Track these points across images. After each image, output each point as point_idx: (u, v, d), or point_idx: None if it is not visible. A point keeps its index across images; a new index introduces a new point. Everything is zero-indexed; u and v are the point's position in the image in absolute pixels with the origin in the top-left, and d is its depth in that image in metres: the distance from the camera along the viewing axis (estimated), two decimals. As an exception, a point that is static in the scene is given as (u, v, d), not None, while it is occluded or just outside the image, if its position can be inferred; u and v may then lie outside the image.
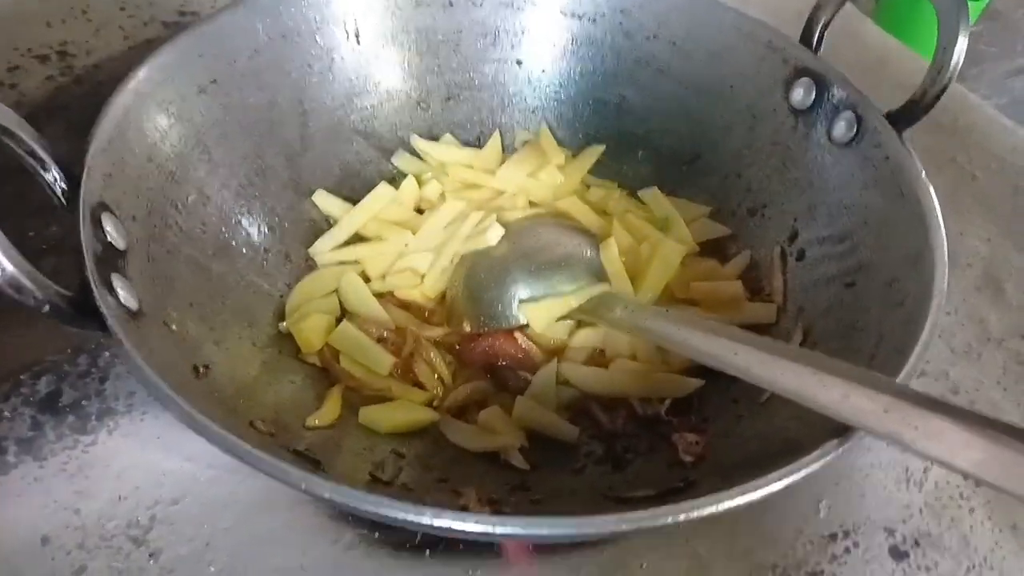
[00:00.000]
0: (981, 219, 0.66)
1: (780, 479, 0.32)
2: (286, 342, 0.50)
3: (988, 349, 0.57)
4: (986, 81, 0.81)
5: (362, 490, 0.31)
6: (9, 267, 0.33)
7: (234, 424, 0.34)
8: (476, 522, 0.30)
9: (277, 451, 0.34)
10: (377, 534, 0.44)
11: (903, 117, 0.49)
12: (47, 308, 0.35)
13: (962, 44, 0.46)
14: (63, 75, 0.66)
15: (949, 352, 0.57)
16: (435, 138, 0.62)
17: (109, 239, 0.40)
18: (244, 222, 0.52)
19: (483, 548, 0.44)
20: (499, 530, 0.31)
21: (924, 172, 0.46)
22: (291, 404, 0.46)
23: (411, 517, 0.31)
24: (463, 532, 0.30)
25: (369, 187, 0.58)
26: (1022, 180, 0.69)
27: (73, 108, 0.65)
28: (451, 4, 0.60)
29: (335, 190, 0.58)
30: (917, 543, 0.46)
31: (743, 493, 0.32)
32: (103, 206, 0.41)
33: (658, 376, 0.49)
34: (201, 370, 0.41)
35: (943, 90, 0.48)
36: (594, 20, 0.60)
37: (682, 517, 0.32)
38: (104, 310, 0.36)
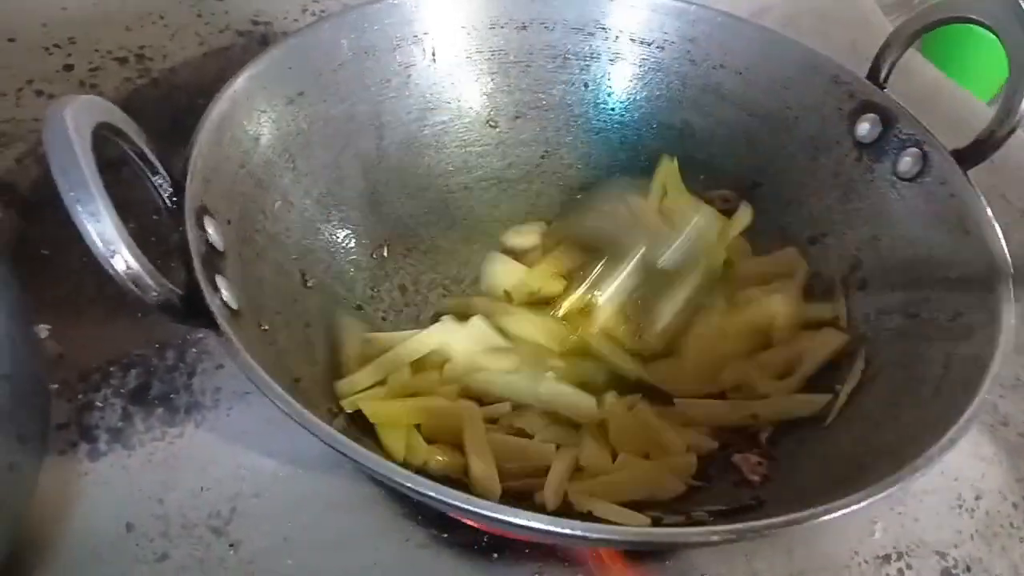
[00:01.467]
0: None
1: (861, 500, 0.34)
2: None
3: (1037, 384, 0.58)
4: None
5: (458, 490, 0.33)
6: (135, 264, 0.35)
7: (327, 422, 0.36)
8: (594, 532, 0.32)
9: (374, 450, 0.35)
10: (446, 535, 0.46)
11: (968, 156, 0.51)
12: (161, 304, 0.37)
13: (1033, 88, 0.48)
14: (140, 77, 0.69)
15: (997, 386, 0.58)
16: (502, 156, 0.64)
17: (211, 241, 0.42)
18: (323, 229, 0.54)
19: (547, 552, 0.46)
20: (593, 536, 0.32)
21: (990, 210, 0.48)
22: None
23: (503, 517, 0.32)
24: (565, 536, 0.32)
25: (434, 201, 0.61)
26: (1069, 219, 0.70)
27: (149, 110, 0.67)
28: (524, 27, 0.62)
29: (406, 201, 0.60)
30: (969, 568, 0.48)
31: (827, 512, 0.33)
32: (204, 209, 0.43)
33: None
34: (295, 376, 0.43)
35: (1011, 132, 0.49)
36: (662, 47, 0.62)
37: (766, 532, 0.33)
38: (213, 309, 0.37)
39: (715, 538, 0.33)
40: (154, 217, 0.53)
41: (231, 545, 0.44)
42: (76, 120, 0.35)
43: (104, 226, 0.34)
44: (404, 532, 0.46)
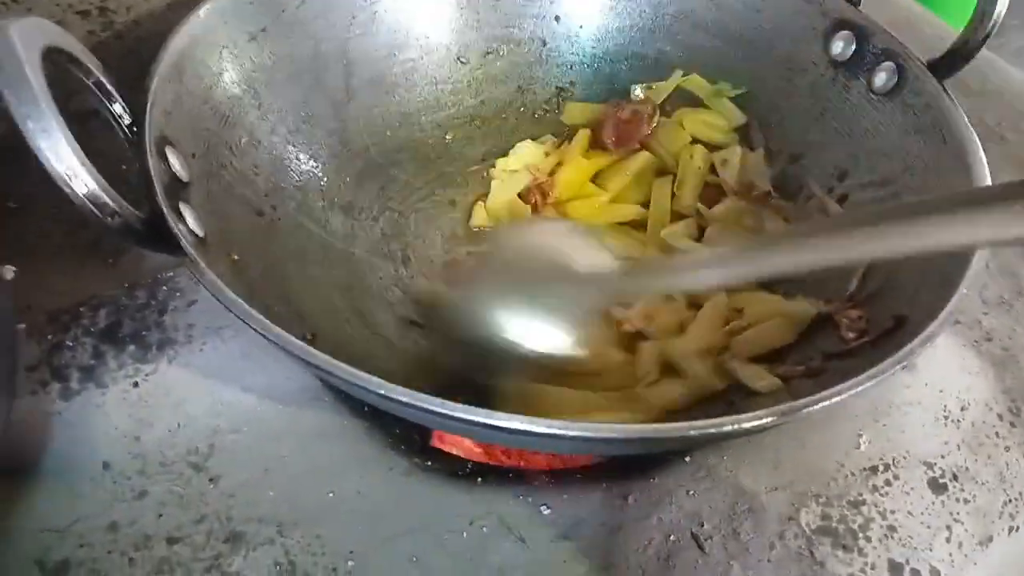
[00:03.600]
0: (1011, 178, 0.67)
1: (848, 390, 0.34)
2: (335, 284, 0.51)
3: (1021, 301, 0.58)
4: (1008, 53, 0.82)
5: (433, 395, 0.32)
6: (92, 183, 0.34)
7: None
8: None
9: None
10: (430, 462, 0.45)
11: (943, 66, 0.50)
12: (122, 227, 0.36)
13: (1006, -8, 0.47)
14: (104, 30, 0.67)
15: (981, 303, 0.58)
16: (475, 93, 0.63)
17: (173, 170, 0.41)
18: (293, 166, 0.53)
19: (532, 475, 0.45)
20: (570, 433, 0.32)
21: (967, 117, 0.47)
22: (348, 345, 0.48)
23: (481, 419, 0.32)
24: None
25: (406, 140, 0.60)
26: (1050, 141, 0.70)
27: (114, 63, 0.65)
28: (492, -41, 0.61)
29: (377, 140, 0.59)
30: (956, 477, 0.47)
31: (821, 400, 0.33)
32: (166, 139, 0.42)
33: None
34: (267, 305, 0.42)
35: (985, 39, 0.49)
36: (633, -25, 0.61)
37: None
38: (176, 231, 0.37)
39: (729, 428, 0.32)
40: (123, 167, 0.52)
41: (211, 480, 0.43)
42: (23, 39, 0.34)
43: (57, 143, 0.33)
44: (387, 461, 0.45)
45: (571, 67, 0.65)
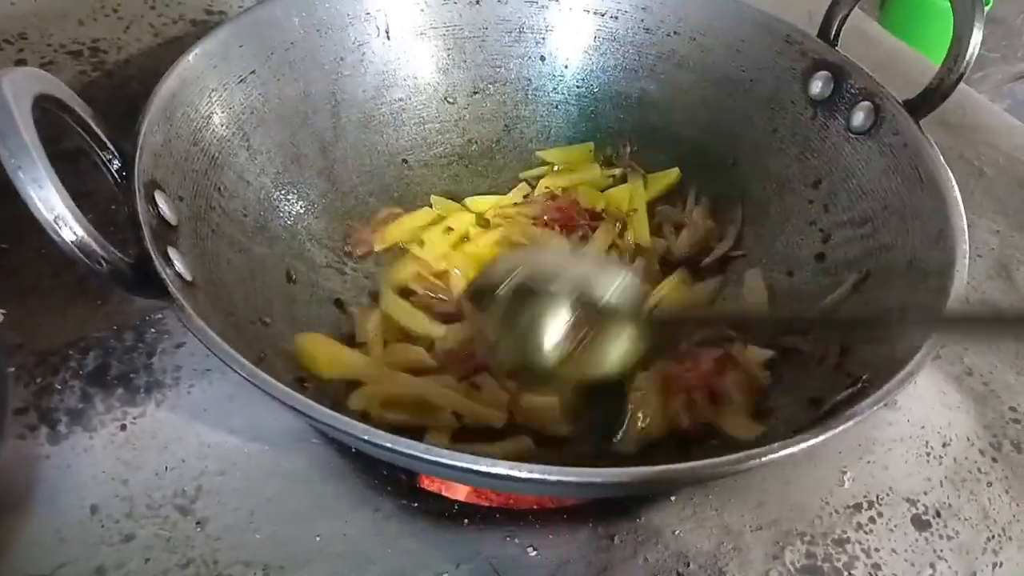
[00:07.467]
0: (990, 212, 0.68)
1: (823, 433, 0.34)
2: (325, 321, 0.51)
3: (1001, 335, 0.59)
4: (989, 85, 0.84)
5: (424, 442, 0.33)
6: (80, 231, 0.34)
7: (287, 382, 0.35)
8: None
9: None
10: (416, 504, 0.45)
11: (920, 106, 0.51)
12: (110, 273, 0.36)
13: (977, 35, 0.48)
14: (95, 70, 0.68)
15: (963, 337, 0.58)
16: (462, 132, 0.64)
17: (162, 214, 0.42)
18: (282, 207, 0.54)
19: (519, 515, 0.45)
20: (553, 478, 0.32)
21: (942, 156, 0.48)
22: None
23: (465, 464, 0.32)
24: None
25: (394, 179, 0.61)
26: (1028, 176, 0.71)
27: (104, 102, 0.66)
28: (477, 1, 0.62)
29: (365, 179, 0.60)
30: (939, 514, 0.48)
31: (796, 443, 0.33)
32: (155, 183, 0.42)
33: None
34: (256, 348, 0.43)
35: (959, 79, 0.50)
36: (616, 17, 0.62)
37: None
38: (164, 276, 0.37)
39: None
40: (112, 207, 0.53)
41: (198, 523, 0.43)
42: (15, 89, 0.35)
43: (47, 193, 0.33)
44: (373, 503, 0.45)
45: (556, 106, 0.66)
